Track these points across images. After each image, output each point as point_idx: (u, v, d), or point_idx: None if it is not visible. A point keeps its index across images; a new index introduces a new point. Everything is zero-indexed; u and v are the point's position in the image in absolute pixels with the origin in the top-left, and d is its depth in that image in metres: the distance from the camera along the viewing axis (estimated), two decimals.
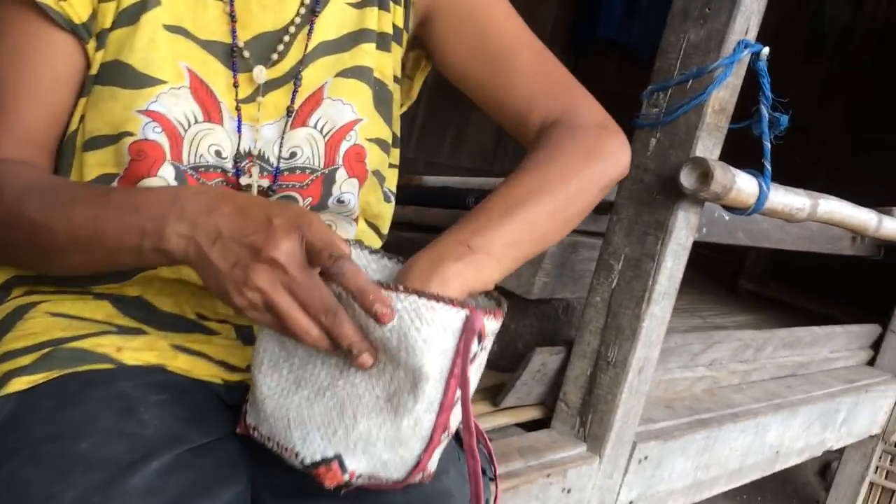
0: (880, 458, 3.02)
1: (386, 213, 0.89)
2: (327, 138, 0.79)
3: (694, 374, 1.53)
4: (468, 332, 0.59)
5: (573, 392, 1.19)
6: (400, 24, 0.81)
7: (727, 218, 1.57)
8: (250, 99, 0.75)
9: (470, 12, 0.81)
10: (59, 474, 0.58)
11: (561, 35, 4.30)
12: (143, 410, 0.64)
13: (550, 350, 1.21)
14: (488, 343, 0.63)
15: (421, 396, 0.60)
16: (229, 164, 0.74)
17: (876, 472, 3.08)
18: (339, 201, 0.81)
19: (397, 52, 0.82)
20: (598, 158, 0.76)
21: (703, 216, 1.48)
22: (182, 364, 0.72)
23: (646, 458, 1.25)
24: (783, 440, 1.65)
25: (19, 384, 0.64)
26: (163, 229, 0.60)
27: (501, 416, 1.20)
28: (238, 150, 0.75)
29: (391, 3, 0.80)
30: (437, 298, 0.58)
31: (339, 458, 0.65)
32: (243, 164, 0.75)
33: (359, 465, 0.65)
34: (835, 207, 1.32)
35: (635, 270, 1.12)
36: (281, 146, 0.77)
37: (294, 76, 0.76)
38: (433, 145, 4.04)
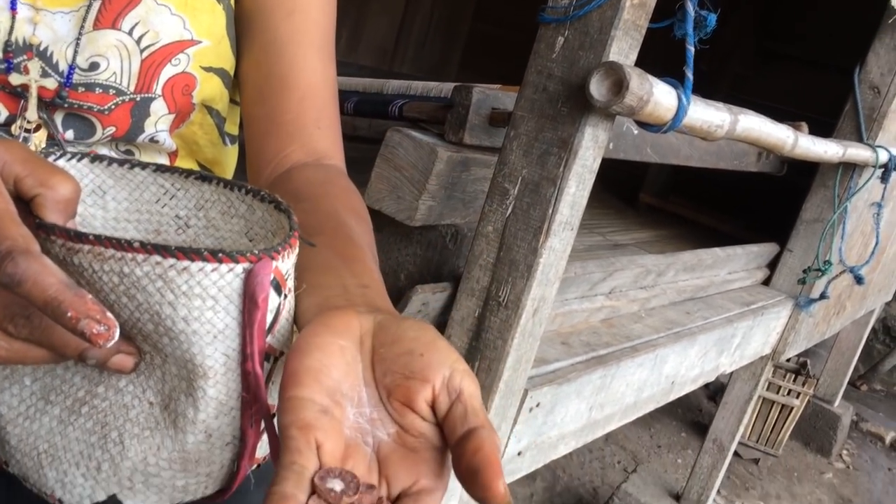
0: (769, 374, 3.07)
1: (225, 158, 0.69)
2: (145, 55, 0.58)
3: (592, 305, 1.40)
4: (251, 296, 0.41)
5: (458, 336, 1.03)
6: None
7: (636, 132, 1.43)
8: None
9: None
10: None
11: None
12: None
13: (433, 287, 1.04)
14: (291, 282, 0.44)
15: (202, 401, 0.41)
16: None
17: (766, 389, 3.14)
18: (154, 140, 0.61)
19: None
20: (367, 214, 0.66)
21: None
22: None
23: (538, 405, 1.12)
24: (679, 370, 1.57)
25: None
26: None
27: None
28: (11, 37, 0.53)
29: None
30: (193, 254, 0.39)
31: (115, 501, 0.46)
32: (19, 59, 0.53)
33: (145, 502, 0.46)
34: (754, 124, 1.18)
35: (533, 196, 0.95)
36: (77, 49, 0.56)
37: None
38: None
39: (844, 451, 3.56)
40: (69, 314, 0.36)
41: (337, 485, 0.36)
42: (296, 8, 0.64)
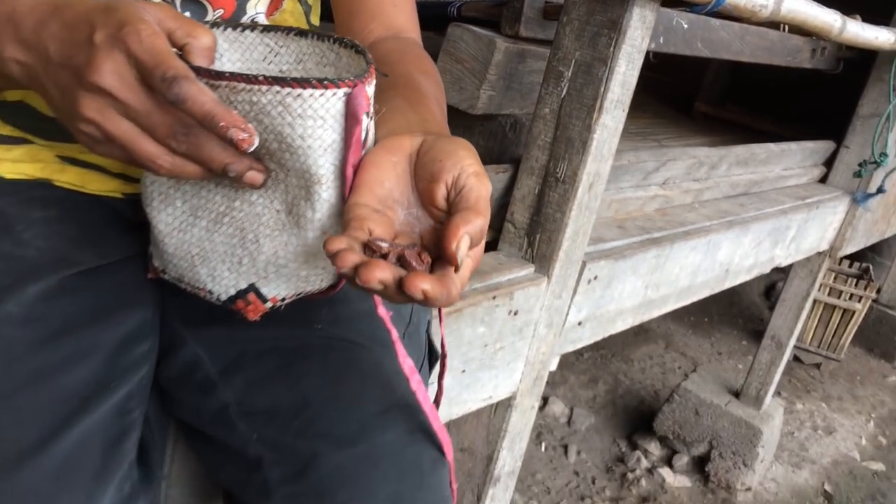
0: (825, 276, 3.09)
1: None
2: None
3: (647, 194, 1.48)
4: (351, 115, 0.51)
5: (520, 212, 1.13)
6: None
7: (686, 26, 1.47)
8: None
9: None
10: None
11: None
12: (22, 229, 0.56)
13: (496, 168, 1.14)
14: (372, 108, 0.55)
15: (318, 203, 0.52)
16: None
17: (820, 290, 3.17)
18: (239, 22, 0.71)
19: None
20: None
21: (660, 24, 1.38)
22: (71, 178, 0.62)
23: (595, 277, 1.22)
24: (733, 258, 1.64)
25: None
26: (1, 55, 0.49)
27: None
28: None
29: None
30: (304, 83, 0.49)
31: (253, 288, 0.58)
32: None
33: (278, 290, 0.58)
34: (799, 6, 1.23)
35: (586, 77, 1.03)
36: None
37: None
38: None
39: None
40: (221, 123, 0.47)
41: (383, 243, 0.47)
42: None
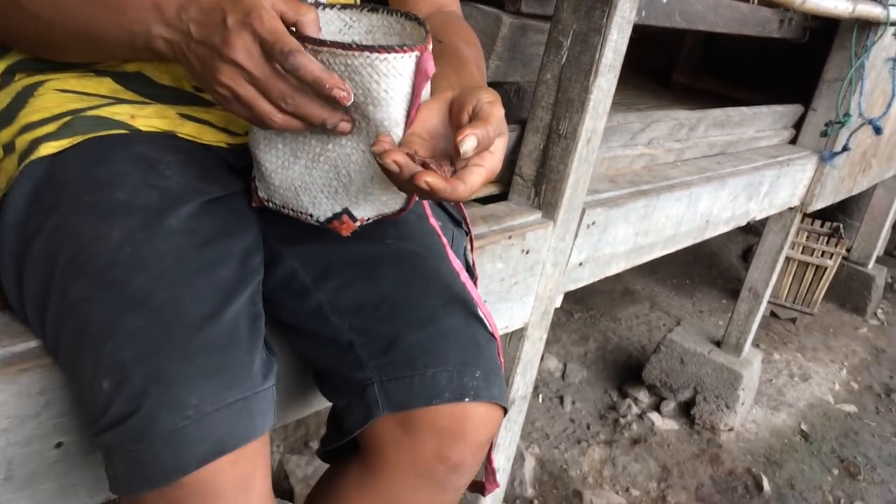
0: (797, 234, 3.29)
1: None
2: None
3: (634, 152, 1.66)
4: (421, 73, 0.67)
5: (527, 165, 1.30)
6: None
7: (664, 1, 1.65)
8: None
9: None
10: (103, 218, 0.66)
11: None
12: (164, 167, 0.72)
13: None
14: (433, 66, 0.70)
15: (397, 139, 0.69)
16: None
17: (793, 248, 3.37)
18: (318, 1, 0.87)
19: None
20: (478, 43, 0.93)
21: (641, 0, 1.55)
22: (190, 130, 0.79)
23: (593, 223, 1.39)
24: (712, 210, 1.82)
25: (48, 149, 0.70)
26: (149, 33, 0.65)
27: None
28: None
29: None
30: (387, 49, 0.64)
31: (346, 211, 0.74)
32: None
33: (365, 212, 0.74)
34: None
35: (583, 45, 1.20)
36: None
37: None
38: None
39: (879, 310, 3.80)
40: (327, 85, 0.63)
41: (418, 156, 0.64)
42: None
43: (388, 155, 0.62)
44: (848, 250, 3.65)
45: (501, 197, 1.35)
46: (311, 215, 0.75)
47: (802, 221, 3.51)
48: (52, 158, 0.70)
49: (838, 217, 3.81)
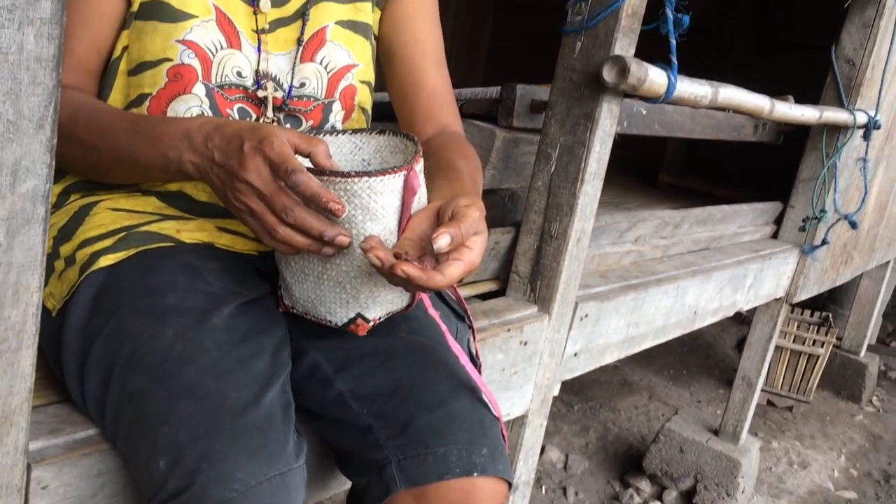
0: (786, 322, 3.39)
1: None
2: (330, 75, 0.97)
3: (622, 249, 1.78)
4: (408, 188, 0.77)
5: (523, 263, 1.42)
6: None
7: (644, 112, 1.80)
8: (266, 30, 0.92)
9: (417, 9, 1.04)
10: (157, 320, 0.76)
11: None
12: (206, 274, 0.83)
13: (502, 230, 1.42)
14: (422, 177, 0.81)
15: (391, 246, 0.79)
16: (249, 82, 0.91)
17: (785, 338, 3.47)
18: (333, 128, 1.00)
19: (377, 14, 1.02)
20: (479, 163, 1.03)
21: (623, 111, 1.70)
22: (226, 241, 0.90)
23: (586, 315, 1.49)
24: (700, 301, 1.93)
25: (106, 261, 0.81)
26: (180, 158, 0.77)
27: (463, 290, 1.41)
28: (257, 69, 0.91)
29: None
30: (382, 172, 0.75)
31: (359, 315, 0.84)
32: (262, 81, 0.92)
33: (376, 313, 0.85)
34: (733, 94, 1.55)
35: (569, 156, 1.34)
36: (293, 75, 0.94)
37: (302, 14, 0.93)
38: None
39: (874, 397, 3.85)
40: (323, 199, 0.74)
41: (406, 256, 0.74)
42: (419, 39, 1.03)
43: (371, 251, 0.72)
44: (839, 339, 3.73)
45: (500, 293, 1.46)
46: (329, 321, 0.85)
47: (793, 312, 3.61)
48: (109, 269, 0.81)
49: (829, 307, 3.91)
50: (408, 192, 0.79)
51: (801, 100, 2.22)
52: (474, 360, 1.02)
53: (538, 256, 1.40)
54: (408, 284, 0.73)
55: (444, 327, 0.88)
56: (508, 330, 1.29)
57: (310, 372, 0.88)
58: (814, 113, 1.98)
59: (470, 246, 0.76)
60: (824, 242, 2.43)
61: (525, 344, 1.35)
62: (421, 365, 0.87)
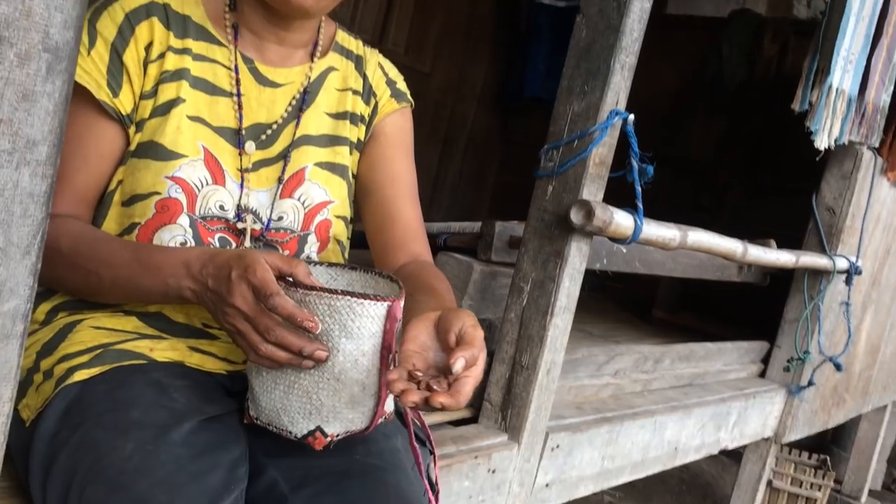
0: (777, 462, 3.35)
1: None
2: (307, 210, 1.06)
3: (600, 382, 1.82)
4: (391, 318, 0.85)
5: (495, 392, 1.46)
6: (362, 137, 1.12)
7: (625, 250, 1.89)
8: (250, 169, 1.02)
9: (395, 150, 1.15)
10: (119, 433, 0.82)
11: (491, 94, 4.67)
12: (172, 391, 0.89)
13: None
14: (401, 314, 0.88)
15: (361, 368, 0.86)
16: (231, 215, 1.00)
17: (782, 480, 3.41)
18: (308, 257, 1.08)
19: (356, 157, 1.13)
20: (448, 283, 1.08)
21: (603, 248, 1.79)
22: (196, 360, 0.97)
23: (557, 446, 1.52)
24: (680, 437, 1.94)
25: (81, 375, 0.88)
26: (179, 285, 0.86)
27: (437, 416, 1.45)
28: (239, 204, 1.01)
29: (359, 122, 1.12)
30: (364, 297, 0.84)
31: (319, 429, 0.89)
32: (242, 214, 1.01)
33: (335, 429, 0.90)
34: (703, 238, 1.64)
35: (540, 290, 1.41)
36: (272, 210, 1.04)
37: (284, 156, 1.04)
38: None
39: None
40: (298, 318, 0.81)
41: (419, 373, 0.80)
42: (394, 178, 1.13)
43: (405, 396, 0.76)
44: (839, 482, 3.66)
45: (473, 420, 1.49)
46: (290, 432, 0.90)
47: (790, 453, 3.56)
48: (83, 383, 0.87)
49: (832, 449, 3.86)
50: (390, 320, 0.86)
51: (791, 243, 2.31)
52: (433, 485, 1.05)
53: (509, 385, 1.44)
54: (442, 410, 0.78)
55: (405, 463, 0.92)
56: (476, 457, 1.32)
57: (267, 490, 0.92)
58: (790, 257, 2.06)
59: (478, 363, 0.82)
60: (810, 383, 2.45)
61: (493, 472, 1.37)
62: (373, 488, 0.91)
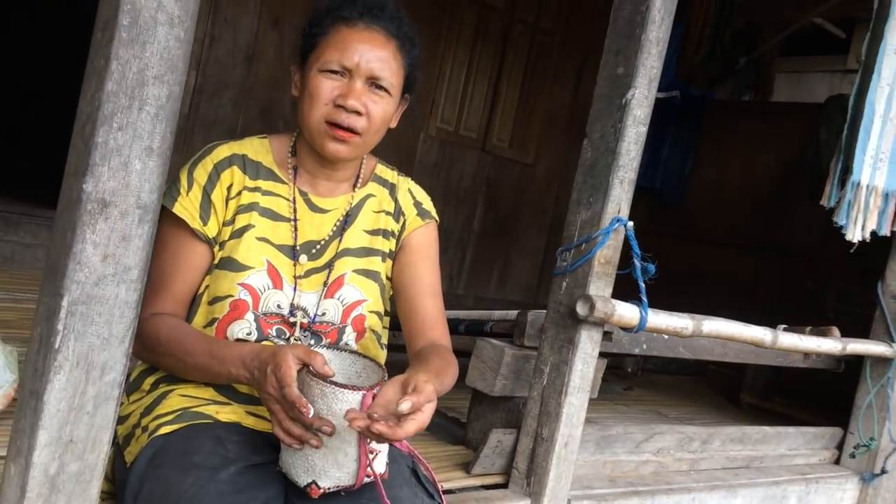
0: None
1: (381, 356, 1.46)
2: (344, 307, 1.38)
3: (639, 458, 1.98)
4: (364, 404, 1.12)
5: (521, 461, 1.69)
6: (393, 248, 1.43)
7: (666, 338, 2.07)
8: (302, 276, 1.35)
9: (418, 258, 1.44)
10: (184, 472, 1.14)
11: None
12: (227, 443, 1.21)
13: (504, 430, 1.72)
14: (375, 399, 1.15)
15: (344, 439, 1.13)
16: (286, 312, 1.33)
17: None
18: (346, 344, 1.39)
19: (388, 264, 1.44)
20: (455, 365, 1.34)
21: (642, 335, 1.99)
22: (250, 422, 1.29)
23: None
24: None
25: (165, 430, 1.21)
26: (237, 373, 1.18)
27: (470, 479, 1.69)
28: (292, 303, 1.34)
29: (390, 237, 1.42)
30: (347, 387, 1.11)
31: (314, 482, 1.18)
32: (295, 311, 1.34)
33: (326, 483, 1.18)
34: (721, 326, 1.81)
35: (556, 372, 1.64)
36: (318, 307, 1.36)
37: (328, 266, 1.36)
38: (481, 282, 4.63)
39: None
40: (296, 406, 1.10)
41: (376, 415, 1.06)
42: (417, 279, 1.42)
43: (353, 421, 1.05)
44: None
45: (504, 486, 1.72)
46: (296, 481, 1.19)
47: None
48: (165, 436, 1.21)
49: None
50: (364, 406, 1.14)
51: None
52: None
53: (533, 456, 1.67)
54: (380, 437, 1.06)
55: (406, 500, 1.19)
56: None
57: None
58: (833, 345, 2.15)
59: (423, 410, 1.09)
60: (883, 471, 2.46)
61: None
62: None
